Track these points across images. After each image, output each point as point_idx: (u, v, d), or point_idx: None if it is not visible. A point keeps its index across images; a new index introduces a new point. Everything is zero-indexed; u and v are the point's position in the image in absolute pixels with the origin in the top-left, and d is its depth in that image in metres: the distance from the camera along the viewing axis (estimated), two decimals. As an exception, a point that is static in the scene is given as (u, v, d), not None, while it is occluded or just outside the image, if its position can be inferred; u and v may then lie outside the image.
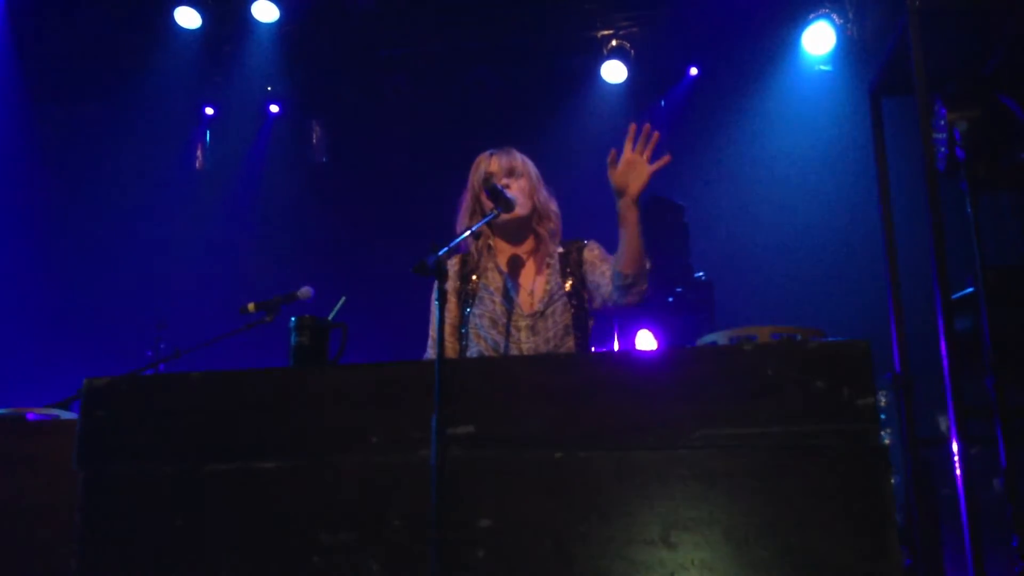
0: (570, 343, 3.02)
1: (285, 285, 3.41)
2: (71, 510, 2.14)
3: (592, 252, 3.13)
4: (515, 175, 3.08)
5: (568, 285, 3.07)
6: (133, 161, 7.41)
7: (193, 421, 2.18)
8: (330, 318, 2.48)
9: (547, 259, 3.12)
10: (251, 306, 3.31)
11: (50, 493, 2.74)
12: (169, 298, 6.78)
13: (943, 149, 3.20)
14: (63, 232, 7.46)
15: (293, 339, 2.38)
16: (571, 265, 3.11)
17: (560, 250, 3.16)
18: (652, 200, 5.91)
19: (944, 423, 4.09)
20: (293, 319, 2.41)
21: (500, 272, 3.10)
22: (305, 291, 3.28)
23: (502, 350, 2.96)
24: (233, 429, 2.17)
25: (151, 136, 7.45)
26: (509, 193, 2.95)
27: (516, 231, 3.11)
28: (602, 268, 3.05)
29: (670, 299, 5.50)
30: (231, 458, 2.14)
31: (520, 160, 3.12)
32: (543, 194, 3.15)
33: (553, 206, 3.16)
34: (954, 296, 3.10)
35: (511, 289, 3.05)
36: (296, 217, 7.47)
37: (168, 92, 7.22)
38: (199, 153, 7.84)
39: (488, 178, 3.05)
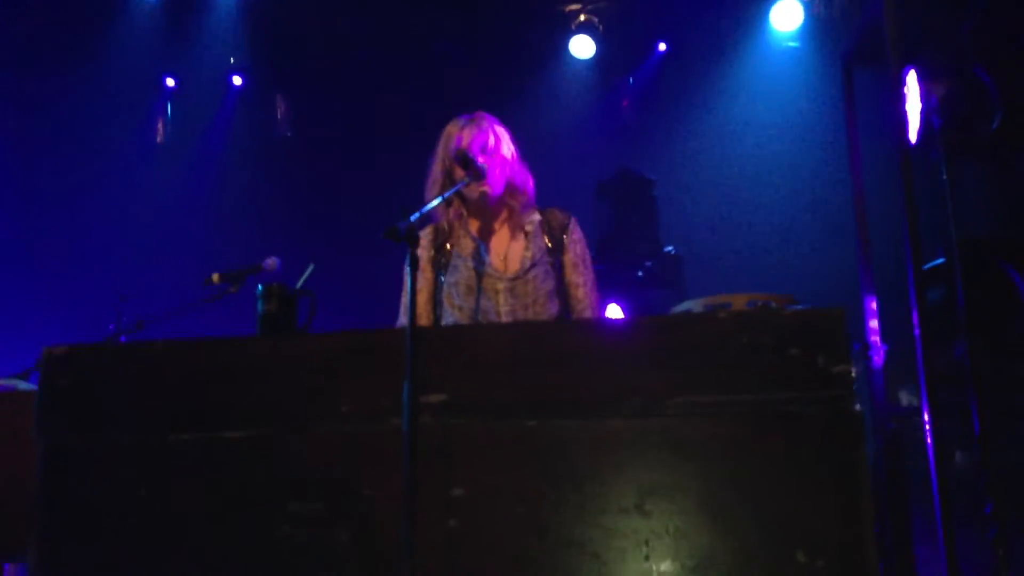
0: (552, 309, 2.98)
1: (250, 257, 3.34)
2: (32, 482, 2.09)
3: (575, 249, 3.09)
4: (488, 150, 2.99)
5: (551, 251, 3.05)
6: (93, 133, 7.24)
7: (157, 390, 2.13)
8: (298, 286, 2.43)
9: (523, 226, 3.07)
10: (215, 277, 3.24)
11: (9, 464, 2.67)
12: (131, 271, 6.66)
13: (916, 119, 3.21)
14: (21, 204, 7.29)
15: (260, 307, 2.34)
16: (553, 234, 3.08)
17: (537, 216, 3.11)
18: (621, 175, 5.90)
19: (906, 395, 4.13)
20: (260, 287, 2.36)
21: (473, 239, 3.06)
22: (271, 262, 3.22)
23: (478, 316, 2.93)
24: (199, 398, 2.12)
25: (111, 107, 7.28)
26: (481, 165, 2.90)
27: (488, 205, 3.06)
28: (572, 277, 3.06)
29: (639, 273, 5.50)
30: (197, 428, 2.09)
31: (492, 133, 3.03)
32: (518, 169, 3.08)
33: (528, 179, 3.11)
34: (924, 267, 3.11)
35: (484, 255, 3.02)
36: (260, 190, 7.36)
37: (128, 62, 7.06)
38: (160, 126, 7.68)
39: (461, 150, 2.96)
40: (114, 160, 7.34)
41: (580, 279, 3.06)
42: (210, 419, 2.10)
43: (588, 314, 3.03)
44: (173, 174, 7.44)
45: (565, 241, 3.07)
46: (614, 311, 5.27)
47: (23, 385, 3.01)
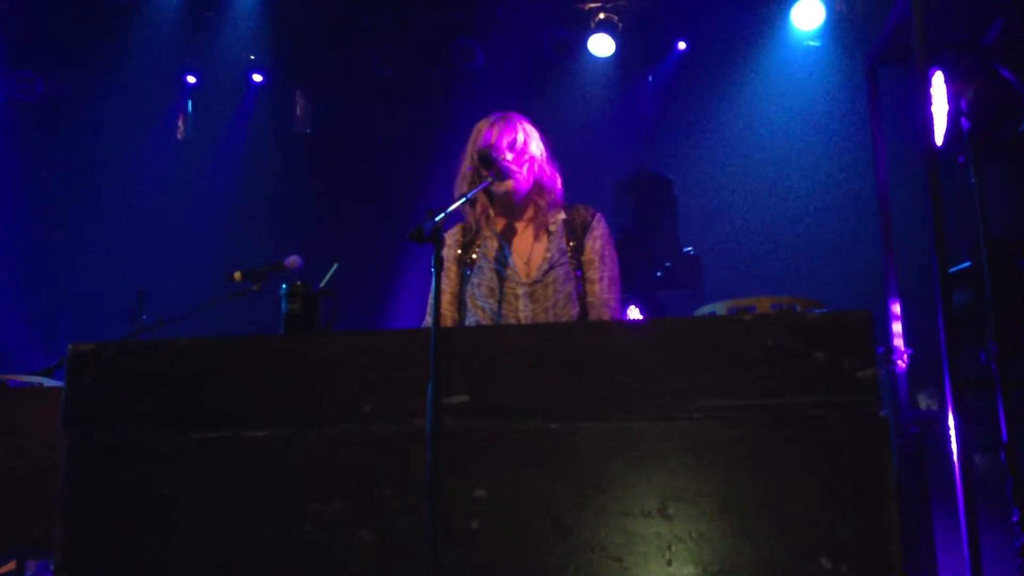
0: (572, 312, 2.96)
1: (269, 255, 3.35)
2: (55, 477, 2.10)
3: (594, 246, 3.05)
4: (516, 147, 2.98)
5: (571, 252, 3.02)
6: (114, 129, 7.28)
7: (182, 388, 2.14)
8: (321, 285, 2.44)
9: (548, 225, 3.06)
10: (237, 275, 3.25)
11: (34, 460, 2.69)
12: (152, 268, 6.69)
13: (942, 121, 3.18)
14: (43, 201, 7.34)
15: (284, 306, 2.35)
16: (576, 234, 3.05)
17: (563, 215, 3.09)
18: (640, 174, 5.88)
19: (929, 399, 4.11)
20: (284, 286, 2.37)
21: (498, 240, 3.05)
22: (293, 260, 3.22)
23: (499, 319, 2.93)
24: (223, 396, 2.13)
25: (132, 105, 7.31)
26: (506, 164, 2.90)
27: (514, 202, 3.05)
28: (588, 272, 3.02)
29: (659, 274, 5.48)
30: (220, 426, 2.10)
31: (522, 131, 3.02)
32: (545, 167, 3.06)
33: (556, 176, 3.08)
34: (951, 270, 3.09)
35: (508, 257, 3.01)
36: (281, 187, 7.37)
37: (149, 60, 7.09)
38: (180, 122, 7.72)
39: (485, 149, 2.96)
40: (136, 157, 7.38)
41: (596, 274, 3.01)
42: (234, 417, 2.11)
43: (602, 311, 2.98)
44: (194, 171, 7.47)
45: (586, 240, 3.04)
46: (633, 312, 5.25)
47: (48, 382, 3.02)
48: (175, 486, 2.08)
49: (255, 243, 6.64)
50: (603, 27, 6.90)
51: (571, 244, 3.03)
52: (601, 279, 3.02)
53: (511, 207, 3.06)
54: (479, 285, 2.99)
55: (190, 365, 2.16)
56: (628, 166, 6.10)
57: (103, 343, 2.19)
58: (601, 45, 6.95)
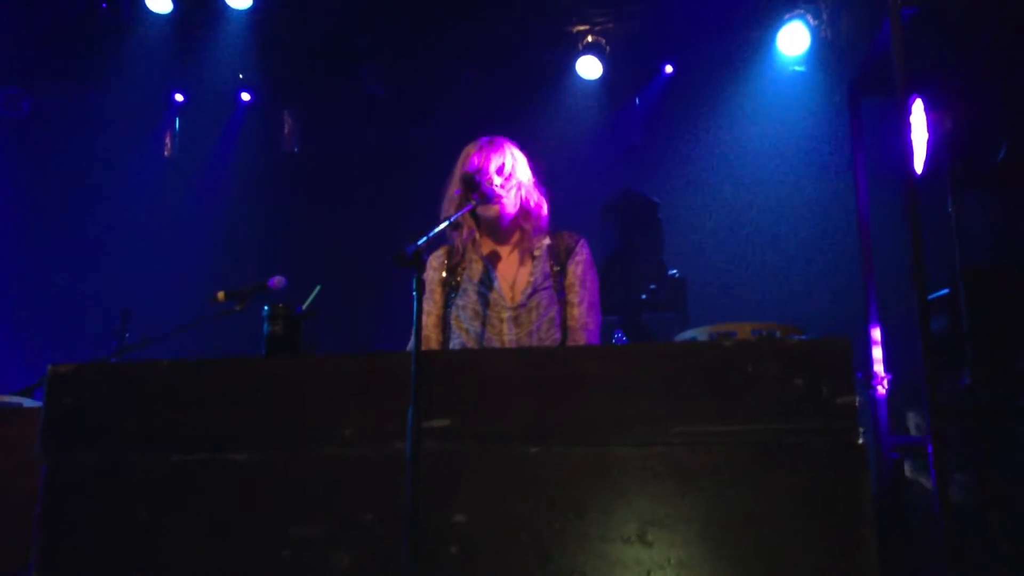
0: (555, 336, 2.98)
1: (255, 275, 3.34)
2: (34, 499, 2.09)
3: (576, 270, 3.08)
4: (503, 172, 3.01)
5: (554, 276, 3.05)
6: (100, 146, 7.27)
7: (161, 410, 2.13)
8: (304, 307, 2.44)
9: (532, 250, 3.08)
10: (221, 295, 3.24)
11: (11, 481, 2.67)
12: (136, 287, 6.66)
13: (922, 149, 3.21)
14: (28, 218, 7.30)
15: (266, 328, 2.34)
16: (559, 258, 3.08)
17: (547, 241, 3.12)
18: (626, 196, 5.90)
19: (909, 424, 4.12)
20: (267, 308, 2.36)
21: (483, 264, 3.06)
22: (277, 280, 3.21)
23: (484, 341, 2.93)
24: (203, 419, 2.12)
25: (119, 121, 7.30)
26: (492, 189, 2.91)
27: (499, 226, 3.07)
28: (568, 296, 3.05)
29: (643, 296, 5.48)
30: (200, 449, 2.09)
31: (510, 155, 3.05)
32: (532, 192, 3.08)
33: (540, 201, 3.10)
34: (930, 297, 3.11)
35: (494, 280, 3.02)
36: (267, 206, 7.36)
37: (137, 77, 7.08)
38: (168, 140, 7.71)
39: (471, 173, 2.96)
40: (122, 174, 7.35)
41: (576, 298, 3.05)
42: (213, 440, 2.10)
43: (580, 335, 3.01)
44: (180, 189, 7.45)
45: (568, 265, 3.07)
46: (617, 335, 5.26)
47: (28, 402, 3.01)
48: (153, 509, 2.07)
49: (240, 262, 6.62)
50: (591, 50, 6.94)
51: (555, 269, 3.06)
52: (580, 303, 3.06)
53: (497, 231, 3.08)
54: (464, 308, 3.00)
55: (170, 387, 2.15)
56: (614, 188, 6.12)
57: (83, 364, 2.18)
58: (589, 67, 6.99)
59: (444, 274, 3.10)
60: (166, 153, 7.69)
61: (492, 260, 3.07)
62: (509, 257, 3.09)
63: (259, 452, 2.08)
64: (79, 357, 2.64)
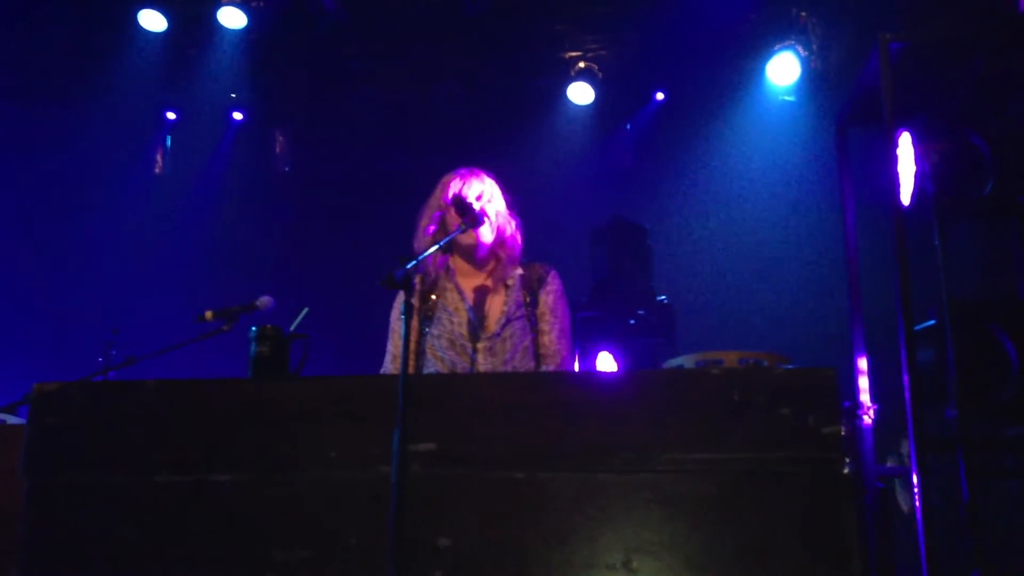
0: (529, 366, 3.02)
1: (243, 295, 3.33)
2: (16, 519, 2.07)
3: (547, 300, 3.12)
4: (483, 201, 3.07)
5: (527, 306, 3.08)
6: (91, 163, 7.26)
7: (147, 431, 2.12)
8: (292, 329, 2.43)
9: (506, 280, 3.13)
10: (208, 314, 3.22)
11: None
12: (124, 304, 6.64)
13: (909, 181, 3.24)
14: (15, 232, 7.28)
15: (253, 349, 2.33)
16: (531, 288, 3.11)
17: (520, 271, 3.16)
18: (616, 222, 5.91)
19: (894, 455, 4.12)
20: (254, 329, 2.36)
21: (459, 293, 3.09)
22: (264, 301, 3.20)
23: (458, 371, 2.94)
24: (188, 440, 2.11)
25: (111, 138, 7.30)
26: (480, 212, 2.94)
27: (474, 254, 3.11)
28: (540, 325, 3.09)
29: (632, 321, 5.49)
30: (185, 470, 2.08)
31: (488, 185, 3.12)
32: (508, 222, 3.14)
33: (517, 233, 3.17)
34: (916, 328, 3.12)
35: (470, 311, 3.05)
36: (256, 226, 7.36)
37: (130, 95, 7.08)
38: (159, 158, 7.70)
39: (459, 197, 3.00)
40: (112, 191, 7.35)
41: (547, 326, 3.09)
42: (198, 461, 2.09)
43: (552, 360, 3.05)
44: (170, 207, 7.45)
45: (539, 294, 3.12)
46: (606, 360, 5.26)
47: (11, 419, 2.98)
48: (137, 530, 2.06)
49: (229, 282, 6.61)
50: (583, 76, 6.98)
51: (527, 299, 3.10)
52: (552, 330, 3.10)
53: (472, 259, 3.11)
54: (439, 336, 3.02)
55: (156, 408, 2.14)
56: (604, 213, 6.14)
57: (68, 383, 2.17)
58: (581, 93, 7.04)
59: (418, 302, 3.11)
60: (157, 171, 7.69)
61: (467, 289, 3.10)
62: (485, 286, 3.12)
63: (244, 474, 2.07)
64: (65, 374, 2.62)
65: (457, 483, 2.02)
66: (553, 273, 3.19)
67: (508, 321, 3.03)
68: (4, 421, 2.99)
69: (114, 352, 4.66)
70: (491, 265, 3.13)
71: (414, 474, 1.98)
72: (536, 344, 3.07)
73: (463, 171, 3.14)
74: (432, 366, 3.01)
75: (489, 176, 3.17)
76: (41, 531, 2.08)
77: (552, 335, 3.09)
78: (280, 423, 2.10)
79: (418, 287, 3.14)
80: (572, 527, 1.97)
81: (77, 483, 2.10)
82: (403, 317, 2.15)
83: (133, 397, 2.16)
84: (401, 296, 3.09)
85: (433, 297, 3.09)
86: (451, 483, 2.02)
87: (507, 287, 3.10)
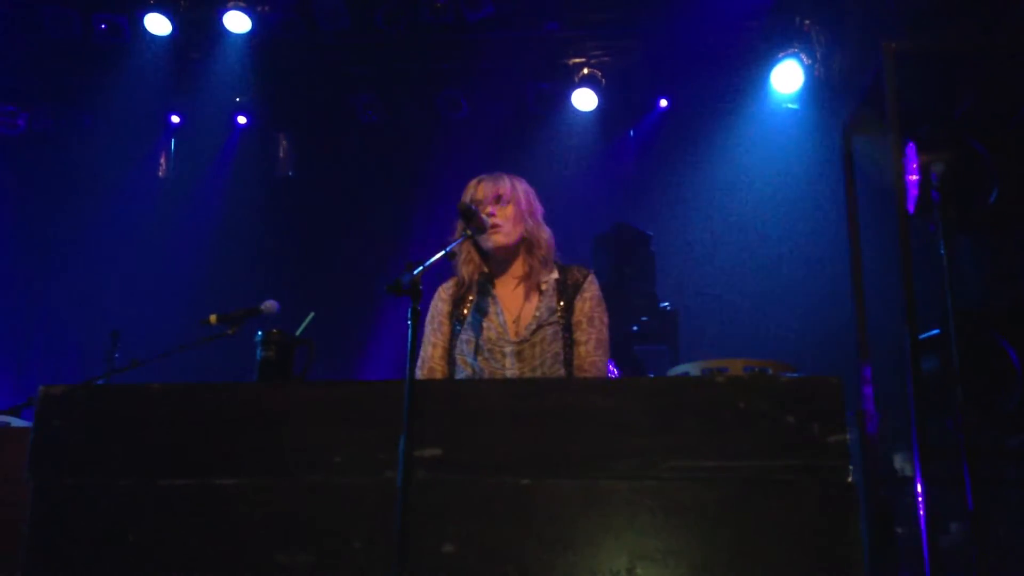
0: (559, 372, 2.90)
1: (246, 298, 3.33)
2: (20, 520, 2.07)
3: (583, 307, 3.00)
4: (501, 202, 2.98)
5: (561, 312, 2.98)
6: (95, 166, 7.28)
7: (152, 434, 2.12)
8: (297, 334, 2.44)
9: (539, 285, 3.03)
10: (213, 318, 3.23)
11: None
12: (128, 307, 6.65)
13: (914, 190, 3.24)
14: (18, 235, 7.30)
15: (259, 353, 2.34)
16: (567, 294, 3.02)
17: (555, 275, 3.06)
18: (619, 229, 5.93)
19: (899, 463, 4.12)
20: (260, 333, 2.36)
21: (488, 297, 3.02)
22: (269, 305, 3.20)
23: (486, 377, 2.88)
24: (193, 444, 2.11)
25: (115, 141, 7.32)
26: (486, 217, 2.89)
27: (504, 258, 3.04)
28: (576, 335, 2.97)
29: (635, 328, 5.50)
30: (189, 473, 2.08)
31: (509, 185, 3.02)
32: (532, 222, 3.03)
33: (545, 234, 3.05)
34: (921, 337, 3.13)
35: (498, 315, 2.97)
36: (261, 230, 7.38)
37: (134, 98, 7.11)
38: (163, 161, 7.73)
39: (465, 203, 2.95)
40: (116, 194, 7.37)
41: (584, 336, 2.97)
42: (202, 465, 2.09)
43: (587, 373, 2.92)
44: (174, 210, 7.46)
45: (575, 301, 3.00)
46: (609, 366, 5.26)
47: (16, 422, 2.99)
48: (140, 533, 2.06)
49: (233, 286, 6.62)
50: (587, 82, 7.00)
51: (561, 304, 2.99)
52: (588, 341, 2.97)
53: (502, 264, 3.04)
54: (467, 342, 2.95)
55: (160, 411, 2.14)
56: (608, 220, 6.15)
57: (73, 386, 2.17)
58: (584, 100, 7.05)
59: (451, 307, 3.06)
60: (161, 174, 7.72)
61: (497, 293, 3.03)
62: (515, 291, 3.04)
63: (248, 478, 2.07)
64: (68, 377, 2.62)
65: (462, 489, 2.02)
66: (591, 278, 3.07)
67: (539, 327, 2.94)
68: (8, 423, 2.99)
69: (117, 356, 4.66)
70: (523, 269, 3.03)
71: (419, 480, 1.97)
72: (571, 354, 2.95)
73: (486, 174, 3.06)
74: (461, 372, 2.96)
75: (517, 179, 3.08)
76: (45, 533, 2.08)
77: (588, 346, 2.96)
78: (285, 427, 2.10)
79: (452, 292, 3.08)
80: (576, 534, 1.97)
81: (81, 486, 2.10)
82: (408, 323, 2.14)
83: (138, 400, 2.15)
84: (436, 301, 3.08)
85: (466, 302, 3.04)
86: (456, 489, 2.02)
87: (540, 292, 3.01)
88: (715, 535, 1.94)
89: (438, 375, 3.00)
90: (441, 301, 3.07)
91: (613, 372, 5.29)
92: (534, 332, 2.92)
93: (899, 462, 4.01)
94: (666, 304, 5.73)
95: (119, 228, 7.25)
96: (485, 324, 2.95)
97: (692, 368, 2.24)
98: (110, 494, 2.09)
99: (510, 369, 2.88)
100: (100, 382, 3.54)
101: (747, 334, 6.18)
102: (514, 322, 2.95)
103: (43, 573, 2.06)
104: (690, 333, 5.79)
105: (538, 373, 2.87)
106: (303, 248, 7.28)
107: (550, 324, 2.94)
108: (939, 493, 3.07)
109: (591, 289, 3.04)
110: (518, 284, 3.02)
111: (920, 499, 2.83)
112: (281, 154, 7.72)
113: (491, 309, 2.98)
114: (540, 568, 1.95)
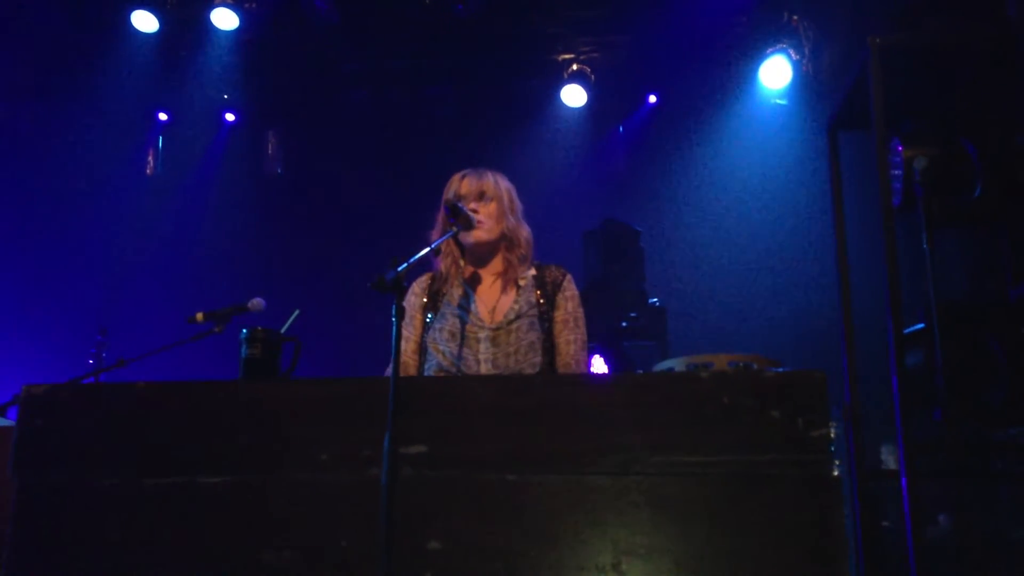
0: (535, 360, 2.96)
1: (234, 296, 3.32)
2: (4, 520, 2.06)
3: (567, 307, 3.06)
4: (484, 199, 3.03)
5: (540, 305, 3.04)
6: (82, 163, 7.25)
7: (136, 432, 2.12)
8: (283, 331, 2.43)
9: (516, 280, 3.08)
10: (200, 316, 3.22)
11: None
12: (114, 305, 6.63)
13: (898, 185, 3.25)
14: (3, 232, 7.26)
15: (244, 351, 2.33)
16: (546, 290, 3.07)
17: (533, 272, 3.12)
18: (609, 224, 5.93)
19: (884, 457, 4.14)
20: (245, 331, 2.36)
21: (463, 288, 3.06)
22: (256, 303, 3.20)
23: (459, 362, 2.92)
24: (178, 442, 2.11)
25: (102, 139, 7.29)
26: (472, 214, 2.93)
27: (483, 255, 3.08)
28: (563, 334, 3.03)
29: (623, 324, 5.50)
30: (174, 472, 2.08)
31: (492, 182, 3.06)
32: (513, 220, 3.09)
33: (524, 232, 3.10)
34: (905, 331, 3.14)
35: (473, 303, 3.02)
36: (248, 227, 7.35)
37: (122, 95, 7.08)
38: (151, 158, 7.70)
39: (451, 197, 3.01)
40: (103, 191, 7.33)
41: (571, 336, 3.04)
42: (187, 463, 2.08)
43: (573, 371, 2.98)
44: (162, 208, 7.44)
45: (558, 299, 3.06)
46: (597, 362, 5.27)
47: (1, 421, 2.98)
48: (126, 532, 2.05)
49: (220, 283, 6.60)
50: (576, 78, 7.00)
51: (541, 301, 3.05)
52: (575, 341, 3.04)
53: (480, 258, 3.09)
54: (441, 330, 3.00)
55: (145, 410, 2.14)
56: (597, 216, 6.15)
57: (56, 385, 2.17)
58: (573, 96, 7.05)
59: (425, 299, 3.10)
60: (149, 171, 7.68)
61: (473, 285, 3.07)
62: (492, 286, 3.08)
63: (233, 476, 2.07)
64: (56, 374, 2.61)
65: (447, 485, 2.02)
66: (569, 277, 3.13)
67: (517, 317, 2.99)
68: (-7, 422, 2.98)
69: (104, 354, 4.64)
70: (500, 265, 3.09)
71: (404, 476, 1.97)
72: (558, 354, 3.02)
73: (468, 170, 3.10)
74: (433, 359, 2.99)
75: (499, 176, 3.12)
76: (29, 532, 2.07)
77: (575, 346, 3.04)
78: (270, 425, 2.10)
79: (427, 284, 3.13)
80: (562, 529, 1.97)
81: (65, 485, 2.10)
82: (393, 320, 2.14)
83: (122, 399, 2.15)
84: (409, 295, 3.10)
85: (441, 294, 3.07)
86: (441, 485, 2.02)
87: (519, 287, 3.06)
88: (700, 530, 1.94)
89: (411, 369, 3.04)
90: (415, 295, 3.12)
91: (603, 368, 5.30)
92: (511, 321, 2.96)
93: (885, 455, 4.02)
94: (655, 300, 5.73)
95: (107, 226, 7.22)
96: (460, 313, 2.98)
97: (677, 363, 2.24)
98: (95, 493, 2.08)
99: (484, 354, 2.91)
100: (87, 381, 3.53)
101: (735, 329, 6.20)
102: (489, 311, 3.00)
103: (26, 572, 2.05)
104: (679, 329, 5.80)
105: (512, 360, 2.91)
106: (291, 245, 7.26)
107: (528, 316, 2.98)
108: (925, 486, 3.08)
109: (571, 288, 3.12)
110: (495, 280, 3.07)
111: (905, 493, 2.84)
112: (269, 151, 7.70)
113: (465, 299, 3.02)
114: (526, 564, 1.96)
